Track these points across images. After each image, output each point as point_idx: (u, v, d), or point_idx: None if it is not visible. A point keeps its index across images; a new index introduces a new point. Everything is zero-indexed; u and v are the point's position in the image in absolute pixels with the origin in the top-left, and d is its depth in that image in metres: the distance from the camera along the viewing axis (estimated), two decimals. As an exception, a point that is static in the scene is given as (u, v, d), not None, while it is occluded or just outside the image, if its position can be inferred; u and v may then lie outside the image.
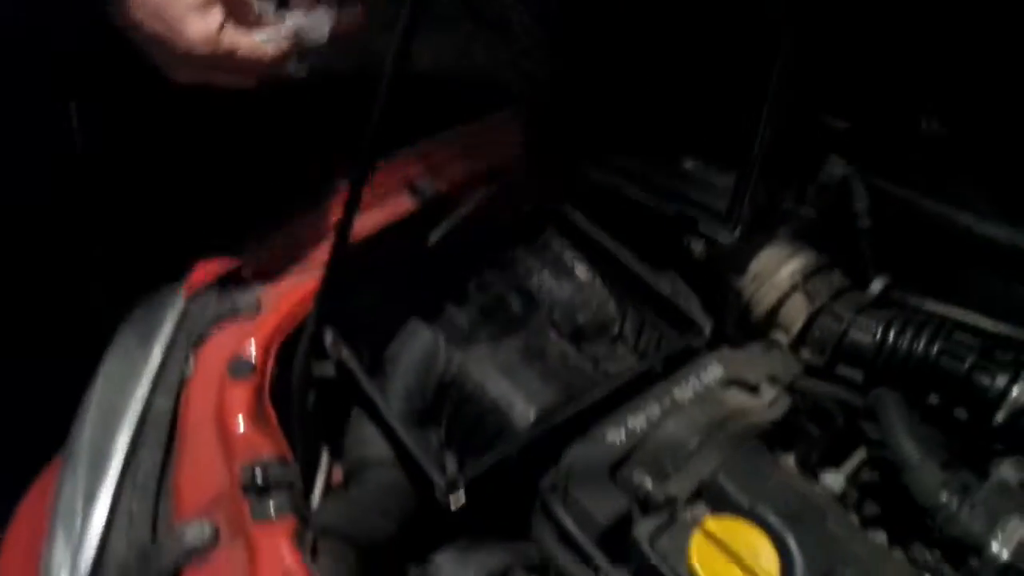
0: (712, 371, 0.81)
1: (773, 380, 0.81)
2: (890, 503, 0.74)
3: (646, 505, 0.68)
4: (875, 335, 0.82)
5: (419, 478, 0.73)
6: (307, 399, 0.79)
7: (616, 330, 0.96)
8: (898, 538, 0.71)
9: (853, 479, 0.74)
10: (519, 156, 1.04)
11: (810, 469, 0.75)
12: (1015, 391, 0.74)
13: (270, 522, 0.64)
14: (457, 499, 0.70)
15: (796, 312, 0.88)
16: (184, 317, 0.83)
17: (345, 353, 0.80)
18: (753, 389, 0.81)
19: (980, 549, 0.63)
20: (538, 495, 0.71)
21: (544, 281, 0.97)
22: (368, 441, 0.79)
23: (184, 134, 0.83)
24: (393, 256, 0.91)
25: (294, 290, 0.85)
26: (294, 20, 0.79)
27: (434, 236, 0.95)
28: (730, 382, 0.81)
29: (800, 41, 0.79)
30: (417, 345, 0.86)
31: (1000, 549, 0.62)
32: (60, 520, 0.66)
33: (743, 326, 0.94)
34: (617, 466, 0.72)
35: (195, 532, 0.64)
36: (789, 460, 0.76)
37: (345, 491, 0.77)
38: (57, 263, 0.84)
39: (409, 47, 0.52)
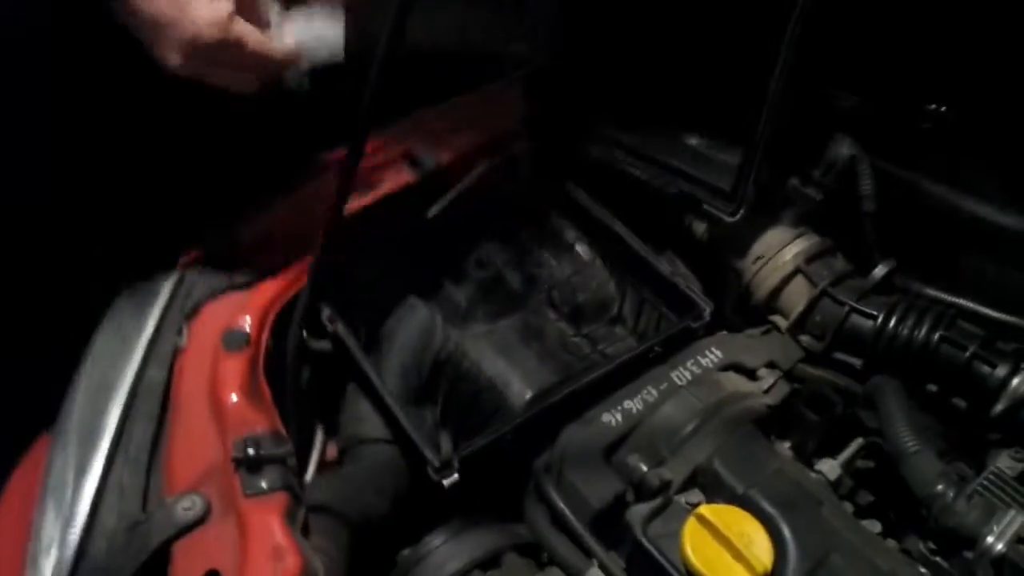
0: (710, 355, 0.80)
1: (772, 366, 0.81)
2: (885, 492, 0.74)
3: (640, 489, 0.68)
4: (876, 321, 0.81)
5: (413, 457, 0.73)
6: (302, 374, 0.79)
7: (615, 311, 0.95)
8: (892, 528, 0.71)
9: (848, 467, 0.74)
10: (520, 129, 1.02)
11: (806, 456, 0.75)
12: (1015, 382, 0.74)
13: (261, 498, 0.64)
14: (451, 478, 0.69)
15: (797, 296, 0.87)
16: (178, 289, 0.81)
17: (341, 328, 0.79)
18: (751, 374, 0.80)
19: (975, 541, 0.63)
20: (532, 476, 0.71)
21: (543, 259, 0.96)
22: (363, 418, 0.79)
23: (183, 131, 0.81)
24: (391, 230, 0.90)
25: (290, 262, 0.83)
26: (302, 33, 0.75)
27: (433, 210, 0.94)
28: (728, 366, 0.80)
29: (809, 15, 0.76)
30: (414, 322, 0.85)
31: (995, 541, 0.62)
32: (51, 492, 0.65)
33: (742, 309, 0.93)
34: (612, 449, 0.72)
35: (186, 506, 0.63)
36: (785, 446, 0.76)
37: (339, 468, 0.77)
38: (57, 263, 0.83)
39: (404, 24, 0.50)
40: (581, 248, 0.97)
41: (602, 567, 0.64)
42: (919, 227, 0.90)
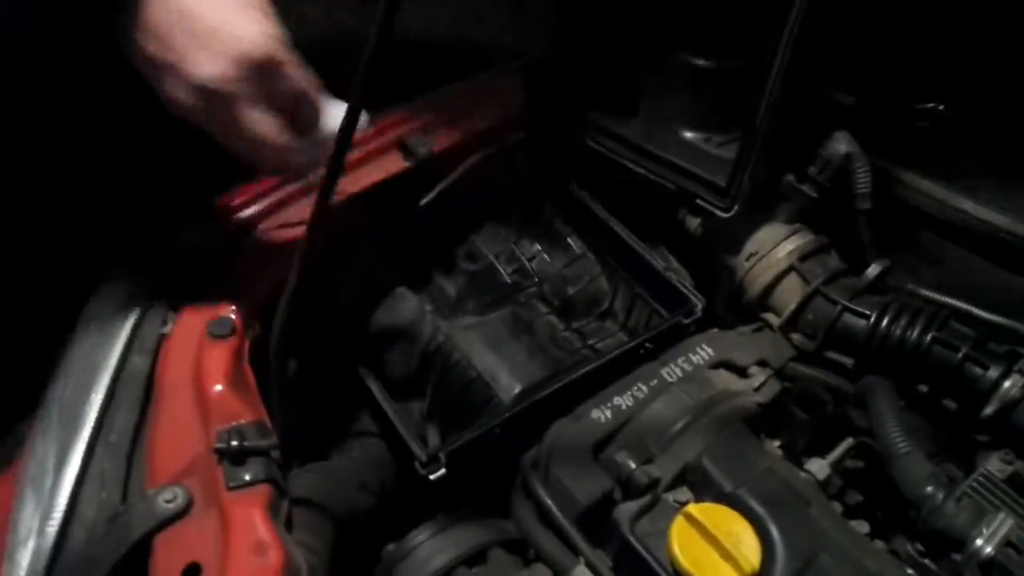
0: (701, 352, 0.80)
1: (763, 364, 0.80)
2: (874, 493, 0.74)
3: (628, 487, 0.67)
4: (869, 321, 0.81)
5: (400, 450, 0.72)
6: (287, 364, 0.77)
7: (606, 305, 0.94)
8: (880, 528, 0.71)
9: (837, 467, 0.74)
10: (515, 120, 1.01)
11: (795, 455, 0.75)
12: (1006, 384, 0.74)
13: (244, 490, 0.63)
14: (438, 472, 0.69)
15: (790, 294, 0.87)
16: (164, 276, 0.80)
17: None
18: (742, 372, 0.80)
19: (963, 543, 0.62)
20: (519, 472, 0.71)
21: (535, 251, 0.95)
22: (349, 410, 0.78)
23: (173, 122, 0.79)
24: (382, 219, 0.88)
25: (278, 250, 0.82)
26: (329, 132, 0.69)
27: (425, 200, 0.92)
28: (719, 364, 0.79)
29: (808, 9, 0.76)
30: (403, 313, 0.84)
31: (984, 544, 0.61)
32: (30, 482, 0.64)
33: (734, 306, 0.92)
34: (601, 446, 0.71)
35: (167, 498, 0.62)
36: (774, 445, 0.76)
37: (324, 461, 0.76)
38: (57, 263, 0.81)
39: (394, 15, 0.48)
40: (573, 241, 0.96)
41: (589, 565, 0.63)
42: (913, 226, 0.90)
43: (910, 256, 0.90)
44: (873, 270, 0.87)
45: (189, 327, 0.76)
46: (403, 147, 0.93)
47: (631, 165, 0.94)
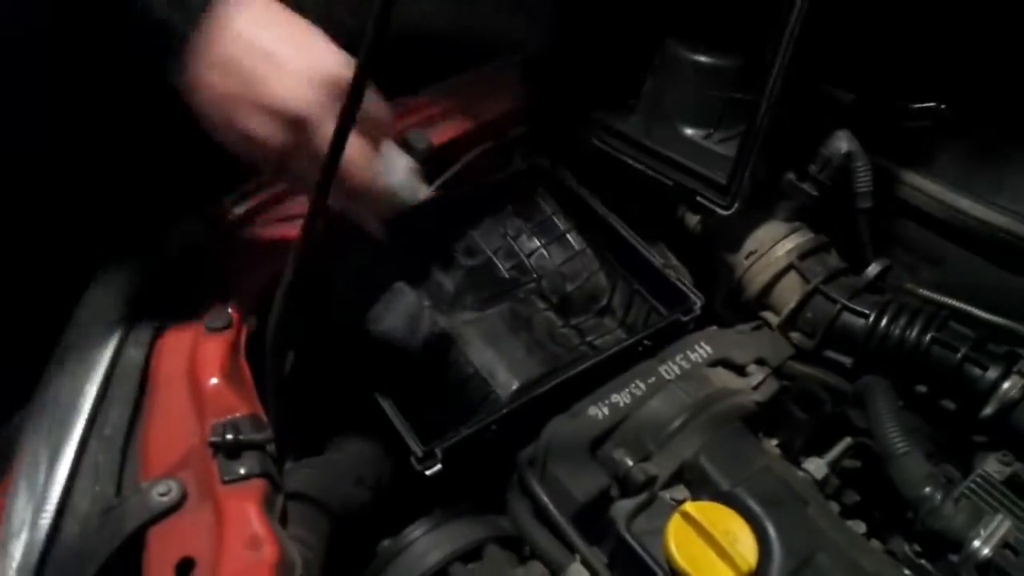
0: (700, 350, 0.79)
1: (761, 362, 0.80)
2: (871, 493, 0.73)
3: (625, 484, 0.67)
4: (868, 320, 0.81)
5: (396, 445, 0.71)
6: (283, 358, 0.77)
7: (605, 302, 0.94)
8: (877, 528, 0.71)
9: (835, 466, 0.73)
10: (515, 113, 1.01)
11: (793, 454, 0.74)
12: (1005, 385, 0.73)
13: (239, 484, 0.62)
14: (434, 468, 0.68)
15: (789, 292, 0.86)
16: (160, 267, 0.79)
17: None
18: (740, 370, 0.80)
19: (961, 544, 0.62)
20: (516, 468, 0.70)
21: (534, 247, 0.94)
22: (345, 404, 0.78)
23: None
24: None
25: (276, 243, 0.82)
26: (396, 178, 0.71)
27: (424, 194, 0.92)
28: (717, 362, 0.79)
29: (810, 7, 0.75)
30: (401, 308, 0.84)
31: (981, 546, 0.61)
32: (23, 474, 0.63)
33: (733, 304, 0.92)
34: (598, 443, 0.71)
35: (161, 491, 0.62)
36: (772, 444, 0.75)
37: (320, 456, 0.76)
38: (54, 255, 0.81)
39: (390, 11, 0.48)
40: (572, 237, 0.95)
41: (584, 563, 0.63)
42: (914, 226, 0.90)
43: (910, 255, 0.90)
44: (873, 269, 0.86)
45: (185, 320, 0.76)
46: (402, 141, 0.93)
47: (631, 161, 0.93)
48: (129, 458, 0.67)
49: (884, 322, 0.80)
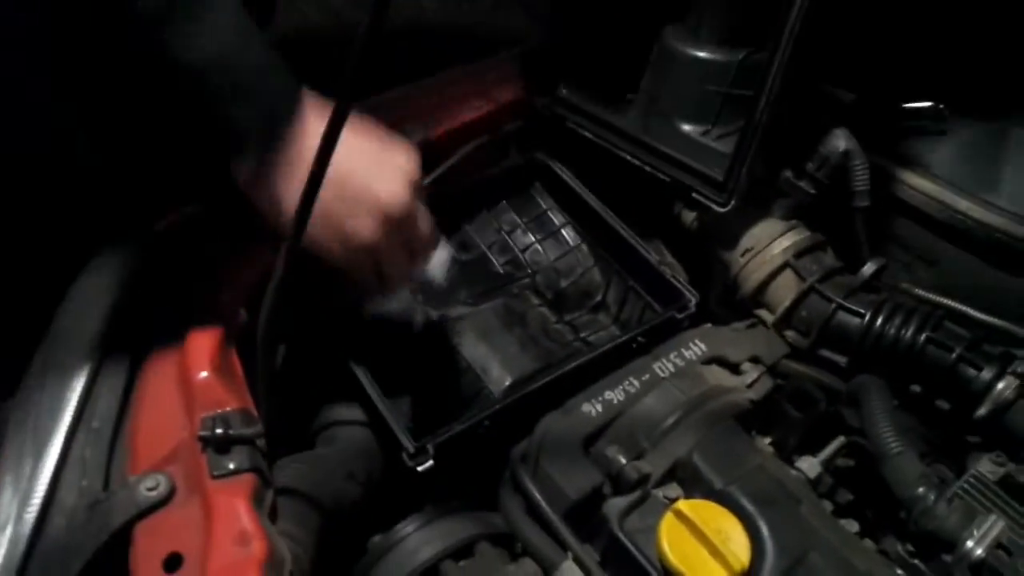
0: (694, 347, 0.79)
1: (756, 360, 0.80)
2: (864, 492, 0.73)
3: (618, 482, 0.67)
4: (863, 319, 0.80)
5: (388, 440, 0.71)
6: (274, 352, 0.76)
7: (599, 298, 0.93)
8: (870, 528, 0.71)
9: (828, 465, 0.73)
10: (511, 107, 1.00)
11: (786, 453, 0.74)
12: (1000, 386, 0.73)
13: (229, 479, 0.61)
14: (426, 464, 0.68)
15: (785, 290, 0.86)
16: (150, 258, 0.78)
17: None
18: (735, 368, 0.79)
19: (954, 545, 0.62)
20: (508, 465, 0.70)
21: (529, 242, 0.94)
22: (337, 398, 0.77)
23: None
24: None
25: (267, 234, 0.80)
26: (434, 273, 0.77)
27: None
28: (712, 360, 0.79)
29: (810, 4, 0.75)
30: (394, 302, 0.83)
31: (974, 546, 0.61)
32: (8, 467, 0.62)
33: (728, 301, 0.92)
34: (591, 440, 0.70)
35: (149, 486, 0.61)
36: (765, 443, 0.75)
37: (311, 451, 0.75)
38: (51, 256, 0.80)
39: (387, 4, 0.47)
40: (567, 233, 0.95)
41: (576, 560, 0.63)
42: (910, 225, 0.89)
43: (906, 255, 0.90)
44: (868, 268, 0.86)
45: (175, 312, 0.75)
46: (396, 132, 0.92)
47: (628, 157, 0.93)
48: (117, 452, 0.66)
49: (879, 321, 0.79)
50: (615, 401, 0.73)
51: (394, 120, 0.92)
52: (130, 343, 0.73)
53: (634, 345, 0.80)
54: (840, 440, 0.75)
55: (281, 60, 0.64)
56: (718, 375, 0.78)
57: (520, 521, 0.66)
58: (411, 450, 0.67)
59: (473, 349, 0.80)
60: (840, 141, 0.85)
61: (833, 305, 0.82)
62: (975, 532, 0.62)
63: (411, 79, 1.00)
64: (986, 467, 0.69)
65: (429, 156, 0.91)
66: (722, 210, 0.84)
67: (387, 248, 0.67)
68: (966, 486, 0.66)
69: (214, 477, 0.61)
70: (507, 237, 0.93)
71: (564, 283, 0.92)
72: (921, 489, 0.66)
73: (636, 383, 0.75)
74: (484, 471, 0.72)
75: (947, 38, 0.88)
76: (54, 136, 0.80)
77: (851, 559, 0.63)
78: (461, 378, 0.79)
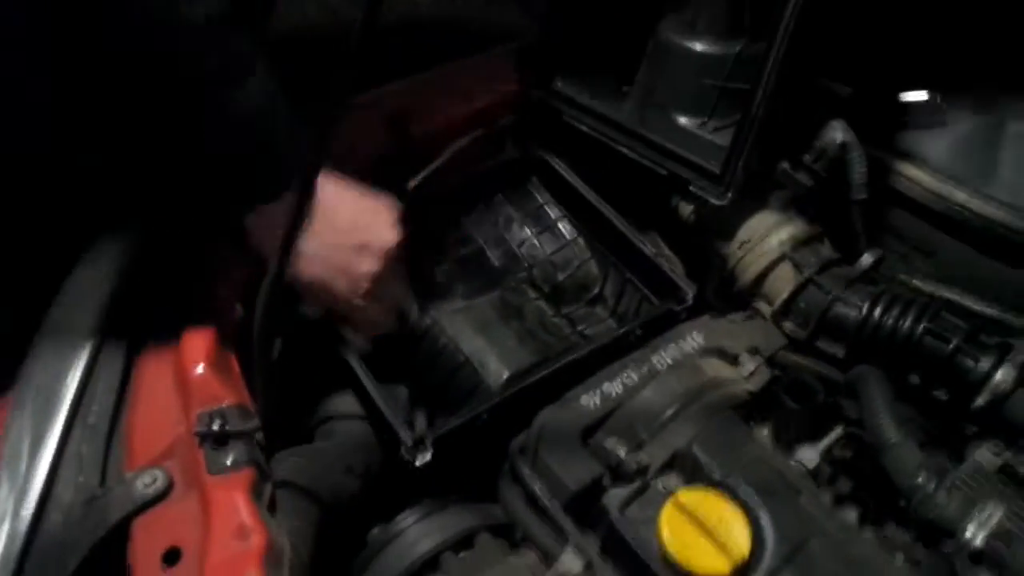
0: (692, 339, 0.79)
1: (754, 351, 0.80)
2: (863, 482, 0.73)
3: (618, 473, 0.66)
4: (861, 310, 0.80)
5: (386, 434, 0.71)
6: (271, 346, 0.76)
7: (596, 291, 0.93)
8: (869, 517, 0.71)
9: (827, 455, 0.73)
10: (507, 101, 1.00)
11: (785, 443, 0.74)
12: (998, 375, 0.73)
13: (227, 474, 0.61)
14: (424, 457, 0.67)
15: (782, 282, 0.86)
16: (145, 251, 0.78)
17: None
18: (733, 359, 0.79)
19: (954, 533, 0.62)
20: (507, 457, 0.69)
21: (525, 235, 0.94)
22: (335, 393, 0.77)
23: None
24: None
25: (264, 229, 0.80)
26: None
27: (414, 181, 0.91)
28: (710, 351, 0.79)
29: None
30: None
31: (974, 534, 0.61)
32: (5, 463, 0.62)
33: (725, 293, 0.92)
34: (590, 431, 0.70)
35: (147, 481, 0.61)
36: (764, 433, 0.75)
37: (309, 444, 0.75)
38: (55, 260, 0.80)
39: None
40: (564, 226, 0.95)
41: (577, 550, 0.63)
42: (907, 217, 0.89)
43: (903, 246, 0.90)
44: (866, 260, 0.86)
45: (171, 307, 0.74)
46: (392, 127, 0.92)
47: (624, 150, 0.93)
48: (113, 447, 0.66)
49: (877, 313, 0.79)
50: (613, 393, 0.73)
51: (390, 115, 0.92)
52: (126, 338, 0.72)
53: (632, 338, 0.80)
54: (838, 430, 0.75)
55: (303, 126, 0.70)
56: (716, 367, 0.78)
57: (520, 512, 0.66)
58: (409, 444, 0.67)
59: (470, 343, 0.80)
60: (837, 133, 0.85)
61: (831, 297, 0.82)
62: (975, 521, 0.62)
63: (406, 74, 1.00)
64: (984, 456, 0.69)
65: (425, 151, 0.91)
66: (719, 203, 0.84)
67: (384, 279, 0.75)
68: (965, 475, 0.66)
69: (212, 472, 0.61)
70: (503, 231, 0.93)
71: (561, 276, 0.92)
72: (921, 478, 0.66)
73: (634, 375, 0.74)
74: (483, 463, 0.72)
75: (944, 30, 0.88)
76: (54, 136, 0.80)
77: (850, 548, 0.63)
78: (459, 372, 0.79)
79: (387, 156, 0.89)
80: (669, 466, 0.69)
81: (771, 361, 0.81)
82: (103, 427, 0.66)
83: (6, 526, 0.59)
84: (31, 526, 0.60)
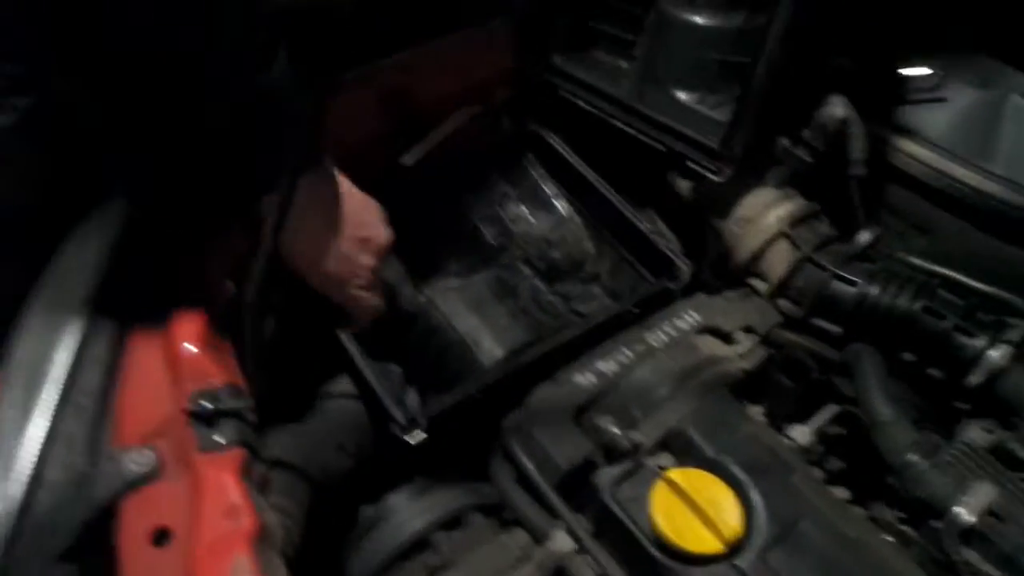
0: (687, 317, 0.78)
1: (749, 330, 0.79)
2: (855, 459, 0.73)
3: (610, 451, 0.66)
4: (857, 288, 0.80)
5: (378, 413, 0.70)
6: (263, 324, 0.75)
7: (591, 268, 0.92)
8: (861, 495, 0.71)
9: (820, 433, 0.73)
10: (501, 75, 0.98)
11: (778, 422, 0.74)
12: (992, 354, 0.73)
13: (217, 453, 0.61)
14: (417, 436, 0.67)
15: (779, 260, 0.85)
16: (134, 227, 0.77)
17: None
18: (728, 338, 0.79)
19: (944, 511, 0.62)
20: (499, 435, 0.69)
21: (520, 212, 0.93)
22: (328, 371, 0.76)
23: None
24: (362, 176, 0.85)
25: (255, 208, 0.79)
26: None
27: (409, 158, 0.90)
28: (705, 329, 0.78)
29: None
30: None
31: (965, 512, 0.61)
32: (-8, 441, 0.62)
33: (721, 271, 0.91)
34: (583, 410, 0.70)
35: (136, 460, 0.60)
36: (758, 411, 0.75)
37: (300, 423, 0.74)
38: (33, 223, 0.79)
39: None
40: (559, 203, 0.94)
41: (568, 530, 0.62)
42: (906, 194, 0.88)
43: (901, 223, 0.89)
44: (864, 237, 0.85)
45: (161, 284, 0.73)
46: (386, 102, 0.90)
47: (622, 126, 0.91)
48: (103, 427, 0.65)
49: (873, 290, 0.79)
50: (608, 372, 0.72)
51: (384, 92, 0.90)
52: (116, 316, 0.72)
53: (627, 317, 0.79)
54: (832, 409, 0.75)
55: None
56: (711, 345, 0.77)
57: (511, 491, 0.66)
58: (402, 423, 0.67)
59: (464, 321, 0.79)
60: (838, 108, 0.84)
61: (828, 274, 0.82)
62: (966, 498, 0.62)
63: (400, 49, 0.98)
64: (977, 434, 0.69)
65: (418, 126, 0.90)
66: (718, 179, 0.83)
67: (378, 272, 0.77)
68: (957, 453, 0.66)
69: (202, 451, 0.61)
70: (498, 208, 0.92)
71: (556, 254, 0.91)
72: (912, 456, 0.66)
73: (629, 353, 0.74)
74: (476, 442, 0.71)
75: (945, 4, 0.87)
76: (53, 130, 0.79)
77: (842, 527, 0.63)
78: (452, 350, 0.79)
79: (382, 134, 0.87)
80: (662, 445, 0.69)
81: (766, 339, 0.81)
82: (93, 406, 0.66)
83: (-5, 506, 0.59)
84: (21, 507, 0.59)
